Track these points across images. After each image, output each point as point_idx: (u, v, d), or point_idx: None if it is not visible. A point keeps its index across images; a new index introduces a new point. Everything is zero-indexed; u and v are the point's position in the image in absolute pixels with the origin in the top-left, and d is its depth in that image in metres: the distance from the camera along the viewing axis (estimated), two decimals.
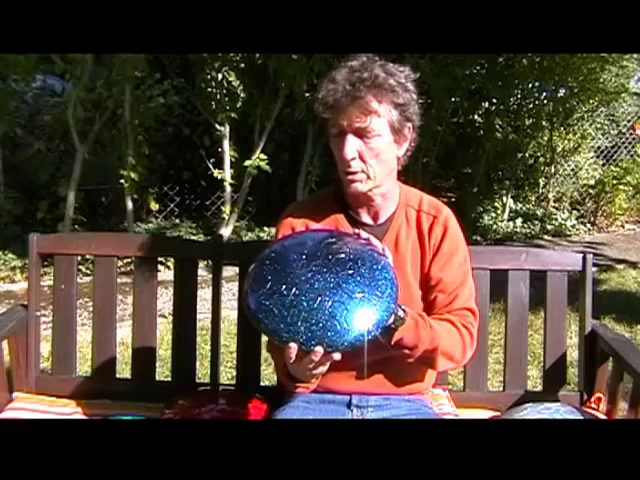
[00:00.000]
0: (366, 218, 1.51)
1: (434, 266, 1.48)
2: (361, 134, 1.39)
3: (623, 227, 6.86)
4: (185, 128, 5.46)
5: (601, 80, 5.90)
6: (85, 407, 1.79)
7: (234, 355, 2.07)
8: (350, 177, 1.41)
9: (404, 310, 1.33)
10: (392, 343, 1.34)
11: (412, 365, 1.44)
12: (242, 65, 4.82)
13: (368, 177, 1.42)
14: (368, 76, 1.38)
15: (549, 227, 6.32)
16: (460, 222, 1.55)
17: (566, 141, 6.65)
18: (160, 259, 1.93)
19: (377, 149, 1.40)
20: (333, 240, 1.34)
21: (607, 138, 7.32)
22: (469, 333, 1.47)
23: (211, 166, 5.15)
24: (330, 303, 1.21)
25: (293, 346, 1.21)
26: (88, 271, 3.67)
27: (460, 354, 1.46)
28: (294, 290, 1.23)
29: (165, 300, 2.67)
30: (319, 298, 1.22)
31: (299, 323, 1.20)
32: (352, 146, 1.39)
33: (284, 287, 1.24)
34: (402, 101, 1.41)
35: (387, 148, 1.43)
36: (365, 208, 1.50)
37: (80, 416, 1.74)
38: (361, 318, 1.21)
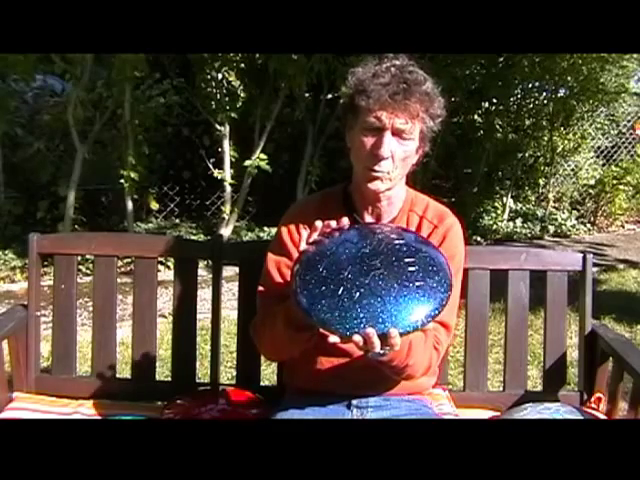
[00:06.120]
0: (369, 219, 1.50)
1: None
2: (399, 135, 1.38)
3: (623, 227, 6.86)
4: (185, 128, 5.46)
5: (601, 80, 5.89)
6: (85, 407, 1.79)
7: (234, 355, 2.07)
8: (375, 174, 1.39)
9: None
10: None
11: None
12: (242, 65, 4.82)
13: (390, 178, 1.41)
14: (420, 79, 1.38)
15: (549, 227, 6.32)
16: (460, 222, 1.54)
17: (566, 141, 6.64)
18: (160, 259, 1.93)
19: (407, 152, 1.40)
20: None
21: (607, 138, 7.31)
22: (437, 354, 1.45)
23: (211, 166, 5.15)
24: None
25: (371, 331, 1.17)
26: (88, 271, 3.67)
27: (421, 374, 1.45)
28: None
29: (165, 300, 2.67)
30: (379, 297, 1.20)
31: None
32: (389, 146, 1.37)
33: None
34: (438, 113, 1.41)
35: (412, 154, 1.43)
36: (370, 209, 1.49)
37: (80, 416, 1.74)
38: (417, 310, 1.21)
